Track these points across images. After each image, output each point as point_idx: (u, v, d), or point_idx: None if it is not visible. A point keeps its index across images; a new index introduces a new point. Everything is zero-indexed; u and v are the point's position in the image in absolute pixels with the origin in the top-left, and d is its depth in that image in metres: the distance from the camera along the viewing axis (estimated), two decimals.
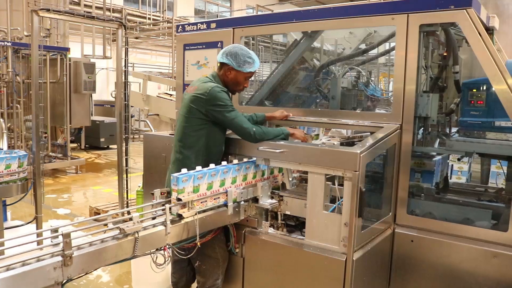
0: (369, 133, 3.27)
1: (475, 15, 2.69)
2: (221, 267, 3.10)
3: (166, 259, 2.61)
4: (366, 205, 2.65)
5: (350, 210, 2.56)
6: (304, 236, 2.86)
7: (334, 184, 2.83)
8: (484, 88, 2.98)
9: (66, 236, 1.97)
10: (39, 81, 5.19)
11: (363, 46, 4.57)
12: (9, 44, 8.99)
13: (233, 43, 3.77)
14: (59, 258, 1.96)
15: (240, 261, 3.10)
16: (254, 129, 2.98)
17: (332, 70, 4.39)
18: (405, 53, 2.94)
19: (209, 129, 3.03)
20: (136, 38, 16.47)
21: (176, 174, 2.50)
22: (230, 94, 3.15)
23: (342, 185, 2.67)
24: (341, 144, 3.30)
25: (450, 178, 4.41)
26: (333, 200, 2.87)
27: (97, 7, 12.85)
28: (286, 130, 3.12)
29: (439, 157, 3.46)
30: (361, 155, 2.54)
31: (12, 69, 8.96)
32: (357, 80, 3.88)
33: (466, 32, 2.71)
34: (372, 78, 4.77)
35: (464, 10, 2.67)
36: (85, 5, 12.60)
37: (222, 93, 3.00)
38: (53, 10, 4.92)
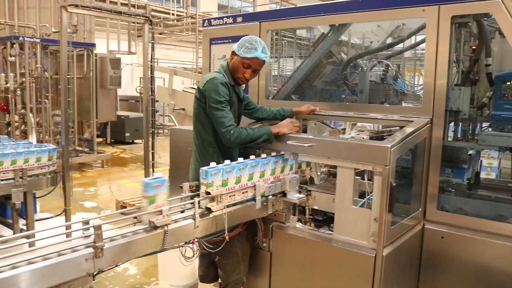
0: (398, 128, 3.22)
1: (511, 5, 2.61)
2: (241, 261, 3.08)
3: (195, 253, 2.62)
4: (396, 201, 2.61)
5: (380, 205, 2.53)
6: (332, 231, 2.84)
7: (363, 178, 2.79)
8: None
9: (98, 228, 1.99)
10: (67, 76, 5.25)
11: (390, 39, 4.50)
12: (38, 40, 9.14)
13: (259, 37, 3.74)
14: (91, 250, 1.98)
15: (267, 256, 3.09)
16: (232, 131, 2.89)
17: (360, 63, 4.33)
18: (436, 46, 2.88)
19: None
20: (160, 33, 16.59)
21: (205, 168, 2.50)
22: (237, 87, 3.15)
23: (371, 179, 2.64)
24: (371, 138, 3.26)
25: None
26: (361, 195, 2.84)
27: (122, 4, 12.97)
28: (268, 130, 2.95)
29: (470, 152, 3.38)
30: (392, 149, 2.50)
31: (41, 65, 9.11)
32: (385, 74, 3.82)
33: (501, 23, 2.63)
34: (400, 72, 4.69)
35: (499, 0, 2.59)
36: (111, 2, 12.72)
37: (218, 85, 2.94)
38: (81, 6, 4.98)
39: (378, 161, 2.52)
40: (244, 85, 3.66)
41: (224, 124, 2.90)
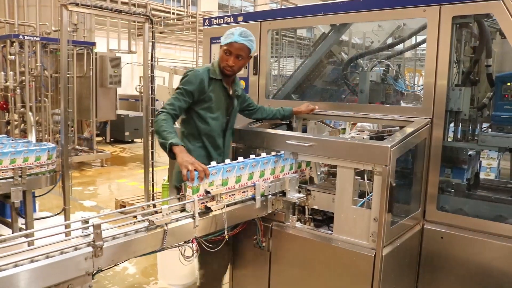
0: (398, 128, 3.22)
1: None
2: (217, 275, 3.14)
3: (194, 252, 2.61)
4: (395, 200, 2.61)
5: (379, 205, 2.52)
6: (331, 230, 2.84)
7: (363, 178, 2.79)
8: None
9: (97, 227, 1.99)
10: (67, 75, 5.25)
11: (391, 40, 4.50)
12: (38, 39, 9.13)
13: (260, 36, 3.75)
14: (90, 249, 1.98)
15: (266, 255, 3.08)
16: (160, 113, 2.88)
17: (360, 63, 4.33)
18: (437, 46, 2.88)
19: (193, 112, 3.06)
20: (160, 33, 16.60)
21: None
22: (227, 81, 3.13)
23: (371, 179, 2.64)
24: (371, 138, 3.26)
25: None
26: (361, 195, 2.84)
27: (122, 2, 12.97)
28: (174, 141, 2.68)
29: (470, 152, 3.38)
30: (392, 149, 2.50)
31: (41, 63, 9.11)
32: (385, 74, 3.82)
33: (502, 24, 2.63)
34: (401, 72, 4.69)
35: (501, 1, 2.59)
36: (111, 0, 12.72)
37: (188, 76, 3.01)
38: (82, 5, 4.97)
39: (378, 161, 2.52)
40: (244, 83, 3.66)
41: (165, 104, 2.95)
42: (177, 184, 3.12)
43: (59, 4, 5.01)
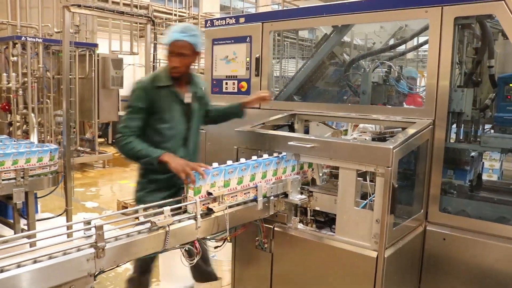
0: (400, 129, 3.21)
1: None
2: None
3: (197, 253, 2.61)
4: (398, 202, 2.60)
5: (382, 207, 2.51)
6: (334, 232, 2.83)
7: (365, 180, 2.78)
8: None
9: (99, 228, 1.98)
10: (69, 76, 5.27)
11: (393, 41, 4.50)
12: (40, 40, 9.16)
13: (262, 37, 3.75)
14: (92, 250, 1.97)
15: (268, 257, 3.07)
16: (124, 137, 2.82)
17: (362, 65, 4.33)
18: (439, 47, 2.87)
19: (146, 126, 2.94)
20: (162, 34, 16.61)
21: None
22: (180, 85, 3.00)
23: (373, 181, 2.63)
24: (373, 139, 3.25)
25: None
26: (363, 196, 2.83)
27: (124, 4, 13.00)
28: (158, 153, 2.71)
29: (473, 153, 3.38)
30: (394, 150, 2.49)
31: (43, 65, 9.13)
32: (387, 75, 3.81)
33: (504, 25, 2.62)
34: (403, 73, 4.69)
35: (503, 1, 2.58)
36: (113, 2, 12.74)
37: (135, 91, 2.88)
38: (84, 6, 4.99)
39: (380, 162, 2.51)
40: (245, 84, 3.62)
41: (121, 129, 2.85)
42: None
43: (61, 6, 5.04)
